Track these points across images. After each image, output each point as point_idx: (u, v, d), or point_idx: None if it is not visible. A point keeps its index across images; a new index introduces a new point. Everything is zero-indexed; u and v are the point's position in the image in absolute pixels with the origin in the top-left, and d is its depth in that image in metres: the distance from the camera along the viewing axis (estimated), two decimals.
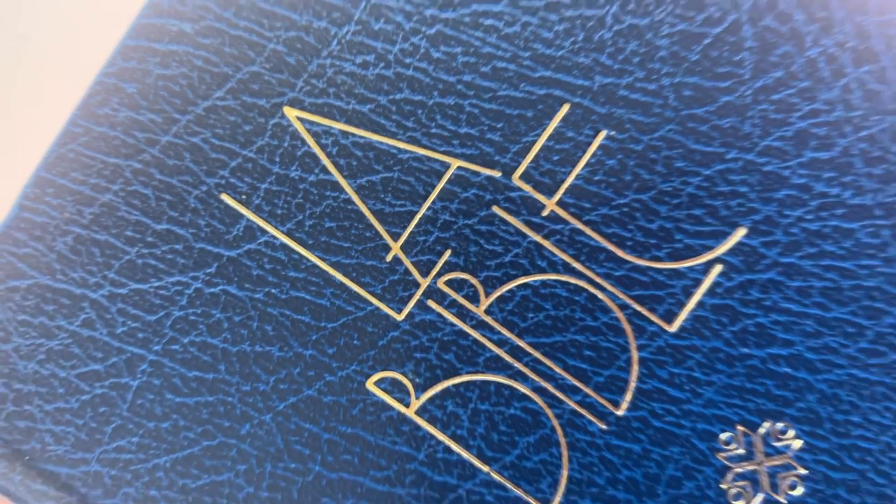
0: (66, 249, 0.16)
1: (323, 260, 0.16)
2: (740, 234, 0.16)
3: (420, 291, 0.16)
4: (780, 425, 0.16)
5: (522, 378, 0.16)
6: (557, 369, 0.16)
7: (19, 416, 0.16)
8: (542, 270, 0.16)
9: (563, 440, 0.16)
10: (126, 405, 0.16)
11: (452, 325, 0.16)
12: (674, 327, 0.16)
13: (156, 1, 0.16)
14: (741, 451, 0.16)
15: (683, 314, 0.16)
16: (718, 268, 0.16)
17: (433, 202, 0.16)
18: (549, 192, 0.16)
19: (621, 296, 0.16)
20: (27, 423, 0.16)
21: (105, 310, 0.16)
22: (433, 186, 0.16)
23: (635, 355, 0.16)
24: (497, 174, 0.16)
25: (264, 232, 0.16)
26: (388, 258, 0.16)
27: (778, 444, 0.16)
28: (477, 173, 0.16)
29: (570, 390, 0.16)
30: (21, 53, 0.21)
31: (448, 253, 0.16)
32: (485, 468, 0.16)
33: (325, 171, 0.16)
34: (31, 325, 0.16)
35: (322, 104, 0.16)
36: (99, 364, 0.16)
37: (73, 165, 0.16)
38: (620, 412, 0.16)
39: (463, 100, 0.16)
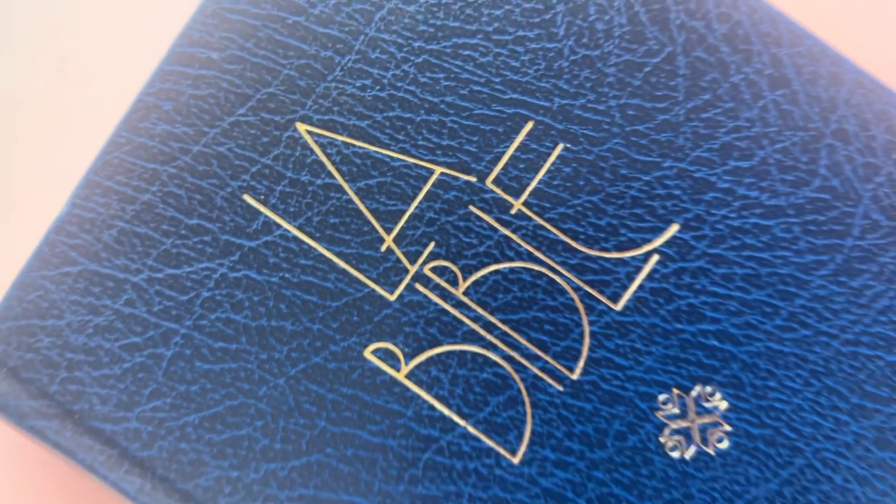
0: (111, 240, 0.19)
1: (328, 250, 0.19)
2: (674, 229, 0.19)
3: (409, 276, 0.19)
4: (708, 389, 0.19)
5: (494, 348, 0.19)
6: (522, 340, 0.19)
7: (71, 381, 0.19)
8: (511, 259, 0.19)
9: (527, 400, 0.19)
10: (161, 371, 0.19)
11: (436, 304, 0.19)
12: (619, 306, 0.19)
13: (188, 32, 0.20)
14: (676, 411, 0.19)
15: (627, 295, 0.19)
16: (656, 257, 0.19)
17: (420, 202, 0.19)
18: (516, 195, 0.19)
19: (575, 280, 0.19)
20: (77, 387, 0.19)
21: (144, 291, 0.19)
22: (420, 189, 0.19)
23: (587, 329, 0.19)
24: (473, 179, 0.19)
25: (279, 226, 0.19)
26: (383, 248, 0.19)
27: (707, 405, 0.19)
28: (456, 178, 0.19)
29: (533, 358, 0.19)
30: (59, 80, 0.24)
31: (432, 244, 0.19)
32: (462, 423, 0.19)
33: (330, 175, 0.19)
34: (81, 304, 0.19)
35: (328, 120, 0.19)
36: (138, 337, 0.19)
37: (118, 170, 0.19)
38: (575, 377, 0.19)
39: (445, 117, 0.19)
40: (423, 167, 0.19)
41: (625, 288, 0.19)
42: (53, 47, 0.25)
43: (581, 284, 0.19)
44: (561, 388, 0.19)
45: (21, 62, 0.24)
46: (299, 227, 0.19)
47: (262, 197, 0.19)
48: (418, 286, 0.19)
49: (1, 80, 0.24)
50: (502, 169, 0.19)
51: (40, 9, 0.25)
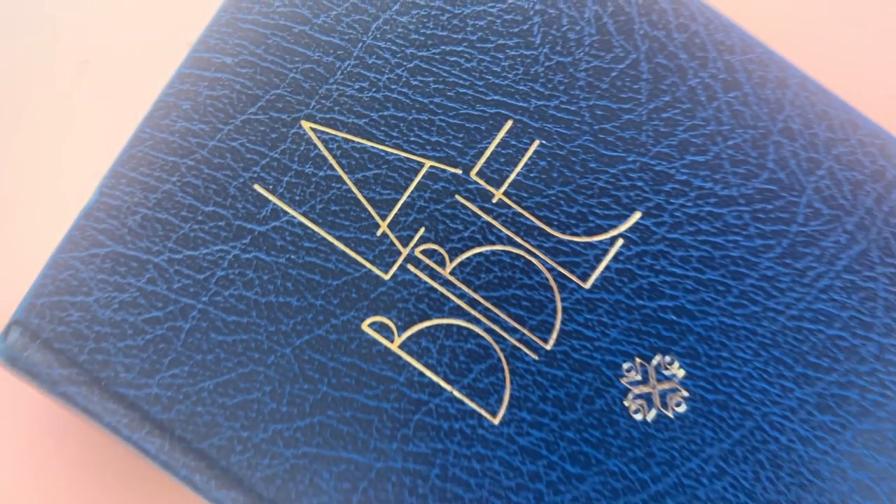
0: (135, 225, 0.22)
1: (329, 234, 0.21)
2: (637, 216, 0.21)
3: (402, 258, 0.21)
4: (667, 358, 0.21)
5: (477, 322, 0.21)
6: (502, 315, 0.21)
7: (98, 351, 0.22)
8: (492, 242, 0.21)
9: (506, 367, 0.21)
10: (180, 342, 0.21)
11: (425, 282, 0.21)
12: (588, 285, 0.21)
13: (205, 39, 0.22)
14: (638, 378, 0.21)
15: (595, 275, 0.21)
16: (620, 241, 0.21)
17: (411, 192, 0.22)
18: (497, 185, 0.21)
19: (549, 261, 0.21)
20: (104, 357, 0.22)
21: (164, 270, 0.22)
22: (411, 180, 0.22)
23: (559, 305, 0.21)
24: (459, 171, 0.22)
25: (285, 213, 0.22)
26: (378, 233, 0.22)
27: (666, 373, 0.21)
28: (444, 171, 0.22)
29: (512, 331, 0.21)
30: (81, 79, 0.27)
31: (422, 230, 0.22)
32: (448, 388, 0.21)
33: (331, 168, 0.22)
34: (107, 282, 0.22)
35: (329, 118, 0.22)
36: (159, 311, 0.22)
37: (142, 162, 0.22)
38: (548, 347, 0.21)
39: (434, 116, 0.21)
40: (414, 161, 0.22)
41: (593, 268, 0.21)
42: (76, 50, 0.27)
43: (554, 265, 0.21)
44: (536, 357, 0.21)
45: (46, 64, 0.27)
46: (304, 214, 0.22)
47: (271, 187, 0.22)
48: (410, 266, 0.21)
49: (28, 81, 0.26)
50: (485, 162, 0.21)
51: (63, 14, 0.27)
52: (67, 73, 0.26)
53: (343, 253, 0.21)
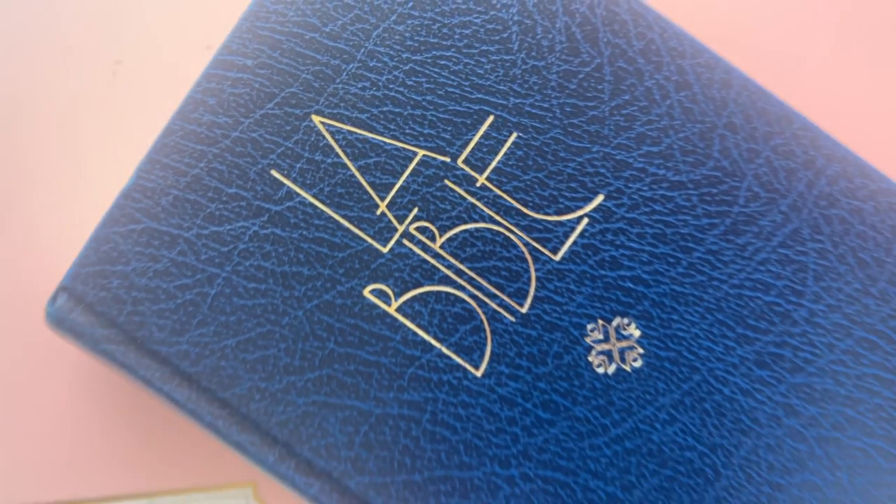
0: (168, 204, 0.25)
1: (335, 213, 0.25)
2: (600, 199, 0.25)
3: (398, 234, 0.25)
4: (626, 320, 0.25)
5: (462, 288, 0.25)
6: (484, 283, 0.25)
7: (134, 313, 0.25)
8: (476, 221, 0.25)
9: (487, 328, 0.25)
10: (206, 306, 0.25)
11: (418, 255, 0.25)
12: (558, 257, 0.25)
13: (228, 44, 0.25)
14: (601, 337, 0.25)
15: (564, 249, 0.25)
16: (586, 220, 0.25)
17: (406, 177, 0.25)
18: (480, 171, 0.25)
19: (525, 237, 0.25)
20: (140, 318, 0.25)
21: (193, 244, 0.25)
22: (406, 167, 0.25)
23: (533, 275, 0.25)
24: (447, 159, 0.25)
25: (298, 195, 0.25)
26: (378, 212, 0.25)
27: (625, 333, 0.25)
28: (434, 159, 0.25)
29: (492, 296, 0.25)
30: (114, 80, 0.30)
31: (416, 209, 0.25)
32: (438, 345, 0.25)
33: (337, 156, 0.25)
34: (143, 254, 0.25)
35: (336, 113, 0.25)
36: (188, 279, 0.25)
37: (173, 150, 0.25)
38: (524, 310, 0.25)
39: (426, 111, 0.25)
40: (409, 150, 0.25)
41: (562, 243, 0.25)
42: (110, 52, 0.30)
43: (529, 240, 0.25)
44: (513, 319, 0.25)
45: (86, 63, 0.30)
46: (314, 196, 0.25)
47: (285, 172, 0.25)
48: (405, 241, 0.25)
49: (71, 78, 0.30)
50: (470, 152, 0.25)
51: (98, 21, 0.31)
52: (104, 72, 0.30)
53: (347, 229, 0.25)
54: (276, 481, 0.25)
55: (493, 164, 0.25)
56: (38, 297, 0.28)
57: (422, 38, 0.25)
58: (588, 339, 0.25)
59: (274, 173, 0.25)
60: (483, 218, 0.25)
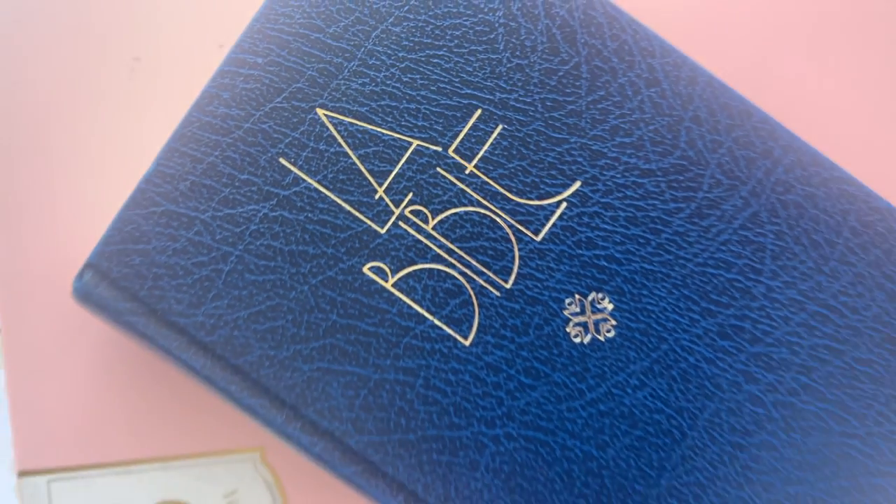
0: (186, 189, 0.28)
1: (338, 197, 0.27)
2: (577, 185, 0.27)
3: (394, 216, 0.27)
4: (600, 295, 0.27)
5: (452, 266, 0.27)
6: (473, 261, 0.27)
7: (155, 288, 0.28)
8: (465, 205, 0.27)
9: (475, 301, 0.27)
10: (220, 281, 0.27)
11: (413, 235, 0.27)
12: (539, 238, 0.27)
13: (240, 43, 0.28)
14: (577, 310, 0.27)
15: (544, 231, 0.27)
16: (564, 204, 0.27)
17: (402, 165, 0.28)
18: (469, 160, 0.27)
19: (509, 219, 0.27)
20: (160, 292, 0.28)
21: (208, 225, 0.27)
22: (402, 155, 0.28)
23: (517, 253, 0.27)
24: (439, 149, 0.28)
25: (304, 180, 0.27)
26: (376, 197, 0.28)
27: (599, 306, 0.27)
28: (427, 148, 0.28)
29: (480, 273, 0.27)
30: (133, 74, 0.33)
31: (410, 194, 0.28)
32: (430, 317, 0.27)
33: (339, 145, 0.28)
34: (163, 234, 0.28)
35: (338, 106, 0.28)
36: (204, 257, 0.27)
37: (191, 139, 0.28)
38: (508, 286, 0.27)
39: (420, 105, 0.27)
40: (404, 140, 0.28)
41: (543, 225, 0.27)
42: (129, 50, 0.33)
43: (513, 223, 0.27)
44: (499, 294, 0.27)
45: (108, 60, 0.33)
46: (318, 182, 0.28)
47: (292, 160, 0.28)
48: (401, 223, 0.28)
49: (94, 74, 0.32)
50: (460, 142, 0.27)
51: (118, 21, 0.33)
52: (124, 68, 0.32)
53: (348, 212, 0.27)
54: (283, 442, 0.28)
55: (481, 153, 0.27)
56: (66, 273, 0.31)
57: (416, 39, 0.28)
58: (566, 312, 0.27)
59: (282, 161, 0.28)
60: (471, 202, 0.27)
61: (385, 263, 0.27)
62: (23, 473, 0.33)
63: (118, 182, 0.30)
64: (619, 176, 0.27)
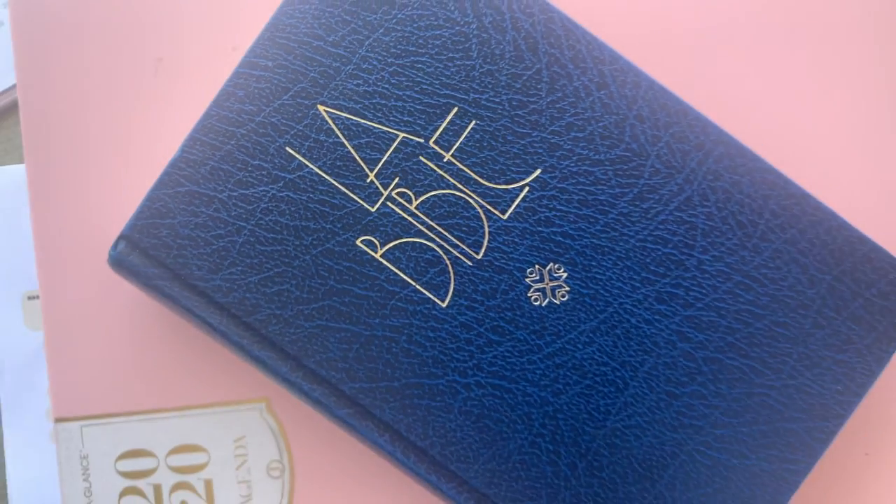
0: (206, 172, 0.32)
1: (335, 181, 0.32)
2: (538, 172, 0.32)
3: (383, 197, 0.32)
4: (556, 265, 0.32)
5: (432, 240, 0.32)
6: (449, 236, 0.32)
7: (179, 256, 0.32)
8: (443, 188, 0.32)
9: (451, 270, 0.32)
10: (235, 251, 0.32)
11: (399, 214, 0.32)
12: (505, 217, 0.32)
13: (254, 49, 0.33)
14: (537, 278, 0.32)
15: (510, 210, 0.32)
16: (527, 188, 0.32)
17: (390, 154, 0.32)
18: (447, 150, 0.32)
19: (481, 201, 0.32)
20: (183, 260, 0.32)
21: (225, 203, 0.32)
22: (390, 145, 0.32)
23: (487, 229, 0.32)
24: (422, 140, 0.32)
25: (307, 166, 0.32)
26: (367, 181, 0.32)
27: (555, 275, 0.32)
28: (412, 139, 0.32)
29: (455, 246, 0.32)
30: (158, 72, 0.37)
31: (397, 179, 0.32)
32: (413, 283, 0.32)
33: (337, 137, 0.32)
34: (186, 210, 0.32)
35: (336, 104, 0.32)
36: (221, 230, 0.32)
37: (211, 130, 0.32)
38: (479, 257, 0.32)
39: (406, 103, 0.32)
40: (392, 133, 0.32)
41: (509, 206, 0.32)
42: (153, 50, 0.38)
43: (484, 203, 0.32)
44: (471, 264, 0.32)
45: (134, 59, 0.37)
46: (319, 167, 0.32)
47: (297, 148, 0.32)
48: (388, 203, 0.32)
49: (121, 72, 0.37)
50: (439, 135, 0.32)
51: (142, 22, 0.38)
52: (149, 67, 0.37)
53: (344, 193, 0.32)
54: (286, 391, 0.33)
55: (457, 144, 0.32)
56: (102, 244, 0.36)
57: (403, 47, 0.32)
58: (527, 280, 0.32)
59: (288, 150, 0.32)
60: (449, 186, 0.32)
61: (375, 237, 0.32)
62: (58, 420, 0.37)
63: (147, 166, 0.35)
64: (573, 165, 0.32)
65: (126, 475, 0.37)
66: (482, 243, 0.32)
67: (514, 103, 0.32)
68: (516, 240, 0.32)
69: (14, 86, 0.38)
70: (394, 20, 0.32)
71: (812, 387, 0.32)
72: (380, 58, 0.32)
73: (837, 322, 0.32)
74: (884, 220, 0.36)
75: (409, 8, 0.32)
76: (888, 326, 0.32)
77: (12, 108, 0.39)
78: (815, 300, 0.32)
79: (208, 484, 0.37)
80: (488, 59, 0.32)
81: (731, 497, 0.32)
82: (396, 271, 0.32)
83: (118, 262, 0.32)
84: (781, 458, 0.32)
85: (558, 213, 0.32)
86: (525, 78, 0.32)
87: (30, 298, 0.38)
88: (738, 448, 0.32)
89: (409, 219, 0.32)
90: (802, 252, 0.33)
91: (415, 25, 0.32)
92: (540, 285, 0.32)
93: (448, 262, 0.32)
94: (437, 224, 0.32)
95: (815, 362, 0.32)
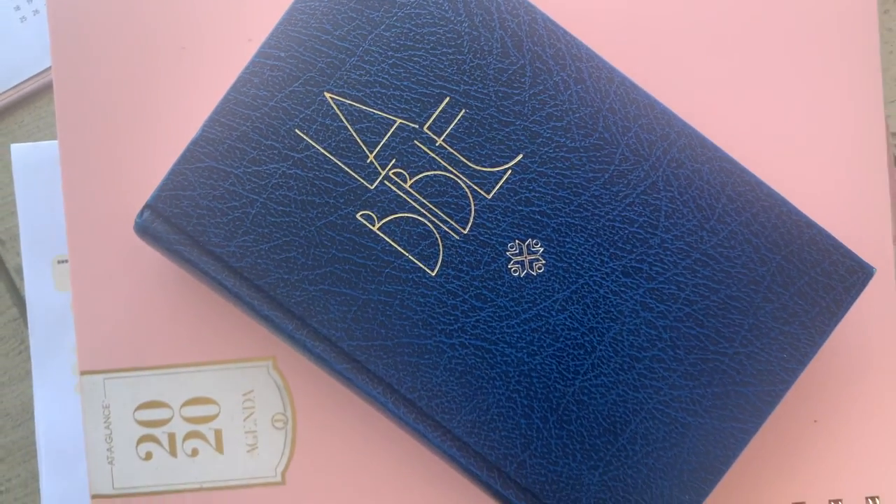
0: (224, 150, 0.36)
1: (339, 160, 0.36)
2: (520, 157, 0.36)
3: (381, 177, 0.36)
4: (534, 241, 0.36)
5: (424, 216, 0.36)
6: (440, 212, 0.36)
7: (198, 224, 0.36)
8: (435, 170, 0.36)
9: (440, 243, 0.36)
10: (249, 221, 0.36)
11: (395, 191, 0.36)
12: (490, 196, 0.36)
13: (268, 41, 0.36)
14: (517, 251, 0.36)
15: (494, 191, 0.36)
16: (510, 171, 0.36)
17: (388, 137, 0.36)
18: (439, 135, 0.36)
19: (468, 181, 0.36)
20: (202, 228, 0.36)
21: (240, 178, 0.36)
22: (388, 130, 0.36)
23: (473, 207, 0.36)
24: (417, 126, 0.36)
25: (313, 147, 0.36)
26: (367, 161, 0.36)
27: (533, 249, 0.36)
28: (408, 125, 0.36)
29: (444, 222, 0.36)
30: (180, 59, 0.41)
31: (394, 160, 0.36)
32: (406, 254, 0.36)
33: (341, 121, 0.36)
34: (205, 184, 0.36)
35: (341, 91, 0.36)
36: (236, 202, 0.36)
37: (228, 113, 0.36)
38: (465, 232, 0.36)
39: (403, 92, 0.36)
40: (390, 119, 0.36)
41: (493, 187, 0.36)
42: (176, 39, 0.41)
43: (471, 184, 0.36)
44: (458, 238, 0.36)
45: (159, 47, 0.41)
46: (324, 148, 0.36)
47: (305, 131, 0.36)
48: (386, 182, 0.36)
49: (148, 59, 0.41)
50: (432, 121, 0.36)
51: (165, 11, 0.42)
52: (172, 54, 0.41)
53: (346, 172, 0.36)
54: (291, 348, 0.37)
55: (448, 130, 0.36)
56: (127, 214, 0.39)
57: (401, 42, 0.36)
58: (508, 253, 0.36)
59: (297, 132, 0.36)
60: (440, 167, 0.36)
61: (373, 212, 0.36)
62: (84, 373, 0.41)
63: (170, 143, 0.39)
64: (551, 151, 0.36)
65: (143, 424, 0.40)
66: (468, 220, 0.36)
67: (500, 95, 0.36)
68: (499, 217, 0.36)
69: (49, 68, 0.42)
70: (394, 17, 0.36)
71: (761, 355, 0.36)
72: (381, 51, 0.36)
73: (785, 297, 0.36)
74: (828, 206, 0.39)
75: (408, 7, 0.36)
76: (830, 302, 0.36)
77: (47, 88, 0.43)
78: (765, 277, 0.36)
79: (218, 433, 0.40)
80: (478, 55, 0.36)
81: (686, 451, 0.36)
82: (392, 243, 0.36)
83: (143, 229, 0.36)
84: (732, 418, 0.36)
85: (537, 194, 0.36)
86: (510, 72, 0.36)
87: (59, 262, 0.42)
88: (693, 408, 0.36)
89: (404, 196, 0.36)
90: (755, 234, 0.36)
91: (413, 22, 0.36)
92: (519, 258, 0.36)
93: (438, 235, 0.36)
94: (429, 201, 0.36)
95: (763, 332, 0.36)
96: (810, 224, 0.36)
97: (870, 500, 0.42)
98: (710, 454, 0.36)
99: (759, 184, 0.36)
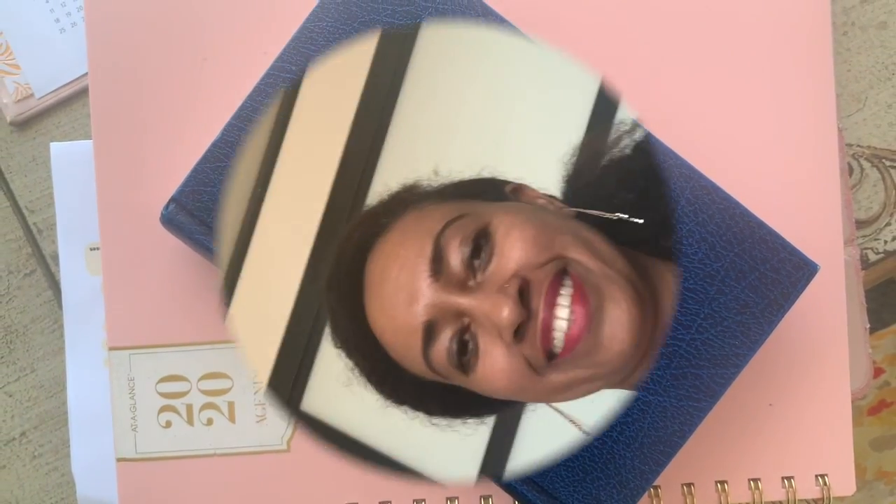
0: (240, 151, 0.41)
1: None
2: None
3: None
4: None
5: None
6: None
7: (205, 208, 0.41)
8: None
9: None
10: None
11: None
12: None
13: (281, 56, 0.41)
14: None
15: None
16: None
17: None
18: None
19: None
20: (207, 205, 0.41)
21: None
22: None
23: None
24: None
25: None
26: None
27: None
28: None
29: None
30: (203, 69, 0.46)
31: None
32: None
33: None
34: (223, 180, 0.41)
35: None
36: None
37: (245, 119, 0.41)
38: None
39: None
40: None
41: None
42: (199, 51, 0.46)
43: None
44: None
45: (183, 58, 0.46)
46: None
47: None
48: None
49: (174, 69, 0.46)
50: None
51: (188, 30, 0.46)
52: (196, 65, 0.45)
53: None
54: None
55: None
56: (153, 207, 0.44)
57: None
58: None
59: None
60: None
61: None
62: (111, 349, 0.42)
63: (193, 144, 0.43)
64: None
65: (164, 396, 0.43)
66: None
67: None
68: None
69: (84, 74, 0.47)
70: None
71: (715, 341, 0.40)
72: None
73: (737, 290, 0.40)
74: (777, 209, 0.44)
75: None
76: (778, 295, 0.41)
77: (83, 93, 0.48)
78: (719, 271, 0.40)
79: (231, 405, 0.43)
80: None
81: (646, 426, 0.40)
82: None
83: (168, 220, 0.41)
84: (688, 398, 0.40)
85: None
86: None
87: (91, 249, 0.45)
88: (653, 387, 0.40)
89: None
90: (710, 233, 0.40)
91: None
92: None
93: None
94: None
95: (717, 321, 0.40)
96: (761, 225, 0.40)
97: (819, 478, 0.46)
98: (667, 429, 0.40)
99: (716, 188, 0.41)
